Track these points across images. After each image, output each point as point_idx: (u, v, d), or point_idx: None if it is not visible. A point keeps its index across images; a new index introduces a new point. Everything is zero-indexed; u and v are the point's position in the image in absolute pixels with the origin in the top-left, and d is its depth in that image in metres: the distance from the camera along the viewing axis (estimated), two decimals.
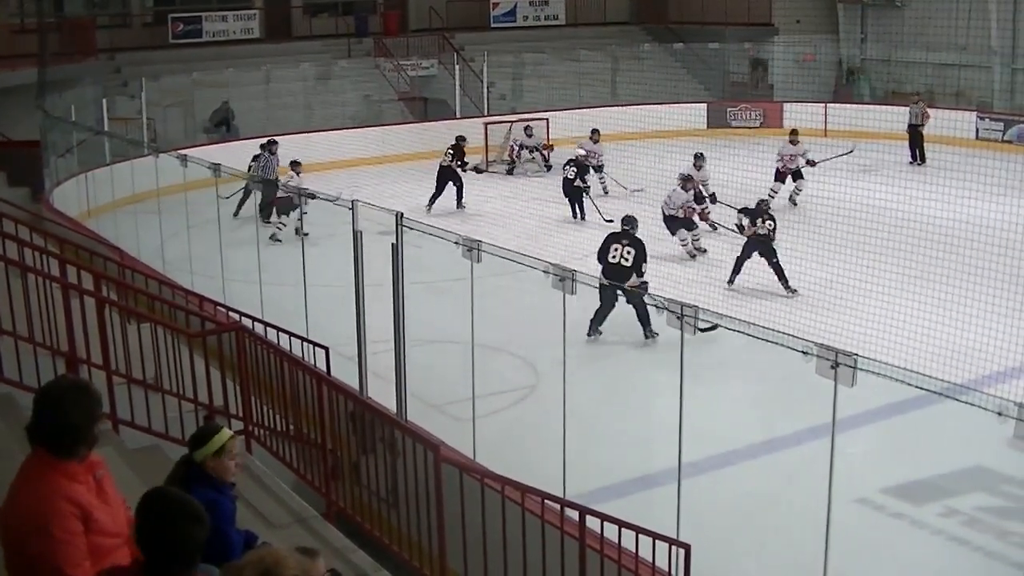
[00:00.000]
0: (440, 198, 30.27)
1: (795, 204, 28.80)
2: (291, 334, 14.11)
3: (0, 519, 5.70)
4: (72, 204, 27.31)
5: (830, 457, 9.13)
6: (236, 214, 26.94)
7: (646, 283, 18.49)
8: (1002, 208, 22.81)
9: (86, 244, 18.22)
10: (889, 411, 14.93)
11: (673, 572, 9.67)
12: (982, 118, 37.69)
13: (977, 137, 36.58)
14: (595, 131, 31.94)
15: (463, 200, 30.89)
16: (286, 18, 47.50)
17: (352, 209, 13.46)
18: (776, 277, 21.48)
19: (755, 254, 21.85)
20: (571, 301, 11.49)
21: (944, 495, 13.38)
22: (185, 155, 21.21)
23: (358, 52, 46.21)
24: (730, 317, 10.36)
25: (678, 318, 10.17)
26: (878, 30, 44.79)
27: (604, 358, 17.77)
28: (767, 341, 9.48)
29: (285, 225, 26.55)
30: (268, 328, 14.05)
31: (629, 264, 18.67)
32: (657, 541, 9.61)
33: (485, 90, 41.94)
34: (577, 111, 38.42)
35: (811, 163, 28.56)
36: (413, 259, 13.01)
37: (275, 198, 25.87)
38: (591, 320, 18.35)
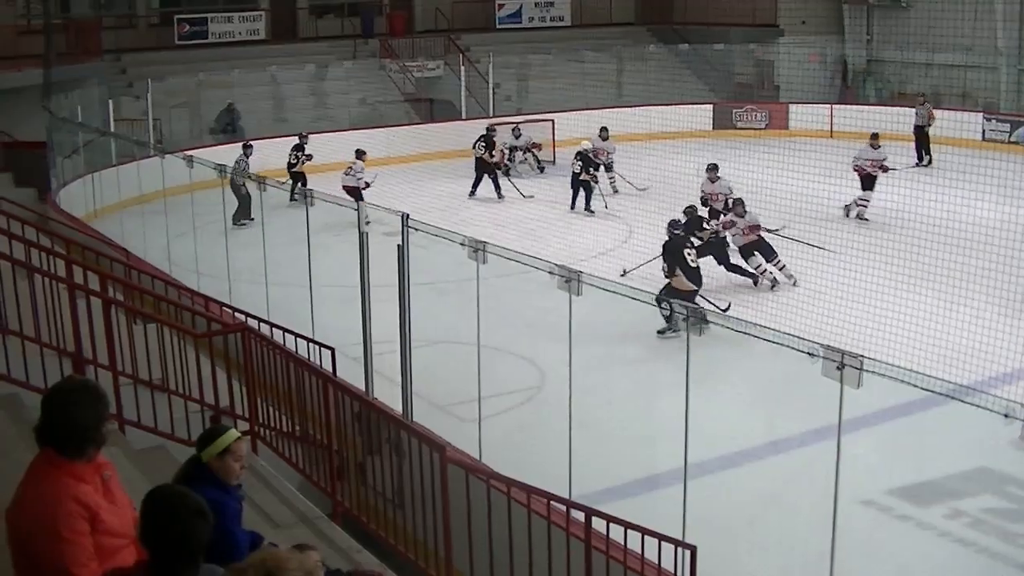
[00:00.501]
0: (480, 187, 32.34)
1: (859, 218, 27.76)
2: (297, 335, 14.11)
3: (7, 519, 5.72)
4: (78, 205, 27.36)
5: (836, 458, 9.13)
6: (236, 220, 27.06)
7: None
8: (1008, 209, 22.83)
9: (92, 245, 18.26)
10: (895, 412, 14.94)
11: (679, 573, 9.65)
12: (988, 119, 37.65)
13: (983, 138, 36.53)
14: (604, 129, 32.02)
15: (501, 189, 32.58)
16: (292, 19, 47.52)
17: (358, 210, 13.48)
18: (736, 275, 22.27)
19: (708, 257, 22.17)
20: (576, 302, 11.50)
21: (950, 497, 13.37)
22: (191, 156, 21.24)
23: (364, 53, 46.24)
24: (735, 318, 10.38)
25: (683, 319, 10.19)
26: (884, 31, 44.77)
27: (610, 359, 17.74)
28: (773, 342, 9.48)
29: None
30: (274, 329, 14.07)
31: (697, 263, 19.13)
32: (663, 542, 9.60)
33: (491, 91, 41.96)
34: (583, 112, 38.37)
35: (885, 169, 28.16)
36: (419, 260, 13.02)
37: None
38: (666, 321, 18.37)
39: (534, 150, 35.88)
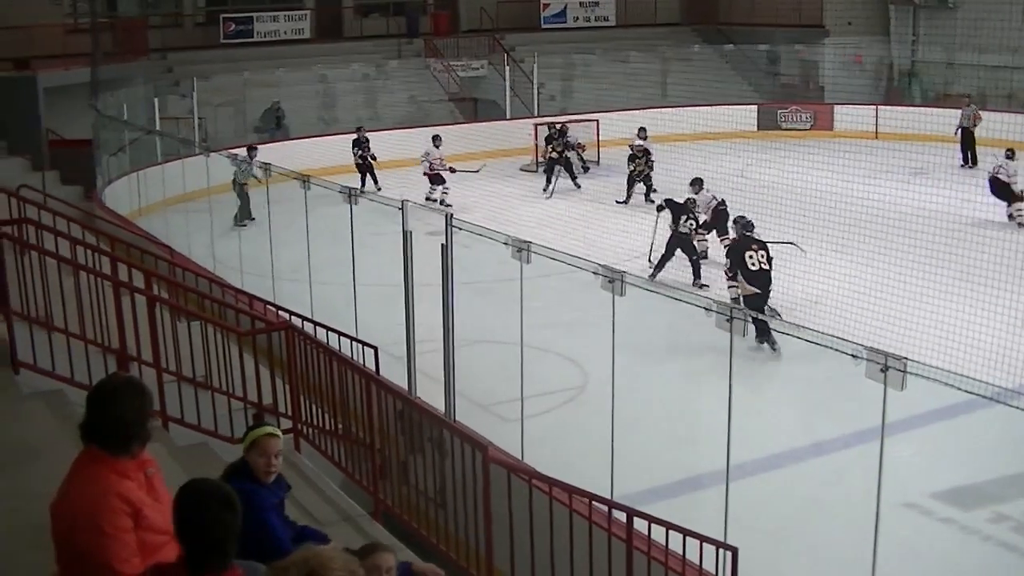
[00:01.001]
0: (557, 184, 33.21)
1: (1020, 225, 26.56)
2: (340, 333, 14.14)
3: (52, 514, 5.76)
4: (123, 202, 27.49)
5: (879, 461, 9.10)
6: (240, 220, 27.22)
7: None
8: None
9: (137, 242, 18.33)
10: (938, 415, 14.87)
11: (720, 575, 9.65)
12: None
13: None
14: (642, 129, 32.01)
15: (577, 179, 33.62)
16: (337, 19, 47.67)
17: (402, 209, 13.51)
18: (692, 272, 22.37)
19: (678, 251, 22.70)
20: (620, 302, 11.50)
21: (993, 501, 13.27)
22: (236, 154, 21.33)
23: (408, 53, 46.34)
24: (781, 320, 10.36)
25: (727, 320, 10.16)
26: (930, 32, 44.46)
27: (652, 359, 17.72)
28: (817, 344, 9.46)
29: (434, 197, 30.72)
30: (317, 327, 14.09)
31: (768, 267, 18.31)
32: (704, 544, 9.60)
33: (535, 91, 41.91)
34: (627, 112, 38.27)
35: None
36: (462, 259, 13.04)
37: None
38: (758, 335, 17.40)
39: (578, 150, 35.83)
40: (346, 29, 47.76)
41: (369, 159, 33.48)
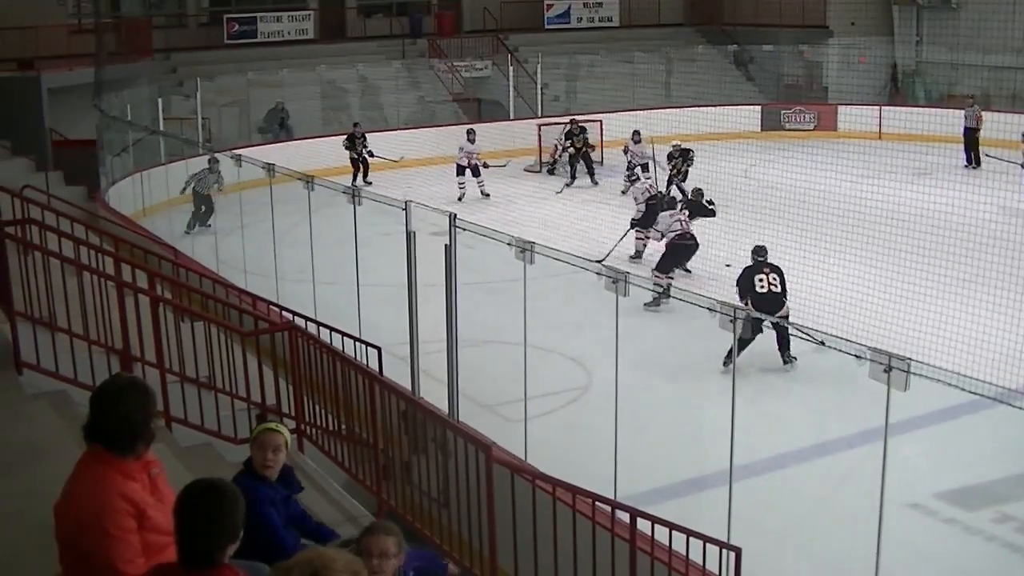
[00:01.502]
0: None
1: None
2: (344, 334, 14.14)
3: (56, 514, 5.77)
4: (127, 203, 27.51)
5: (882, 461, 9.10)
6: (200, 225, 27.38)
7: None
8: None
9: (141, 243, 18.35)
10: (942, 415, 14.87)
11: (723, 575, 9.66)
12: None
13: None
14: (636, 132, 32.07)
15: (595, 176, 34.48)
16: (340, 19, 47.71)
17: (406, 210, 13.51)
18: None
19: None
20: (623, 303, 11.49)
21: (998, 501, 13.27)
22: (239, 155, 21.34)
23: (412, 53, 46.35)
24: (784, 320, 10.35)
25: (731, 321, 10.17)
26: (933, 32, 44.43)
27: (656, 360, 17.72)
28: (821, 344, 9.46)
29: (464, 187, 31.88)
30: (321, 328, 14.09)
31: (779, 290, 17.97)
32: (708, 544, 9.60)
33: (539, 91, 41.93)
34: (631, 113, 38.27)
35: None
36: (466, 260, 13.04)
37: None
38: (730, 350, 16.99)
39: (587, 149, 35.85)
40: (350, 29, 47.79)
41: (365, 155, 33.88)
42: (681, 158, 30.45)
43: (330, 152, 33.84)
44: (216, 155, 27.30)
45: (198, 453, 10.73)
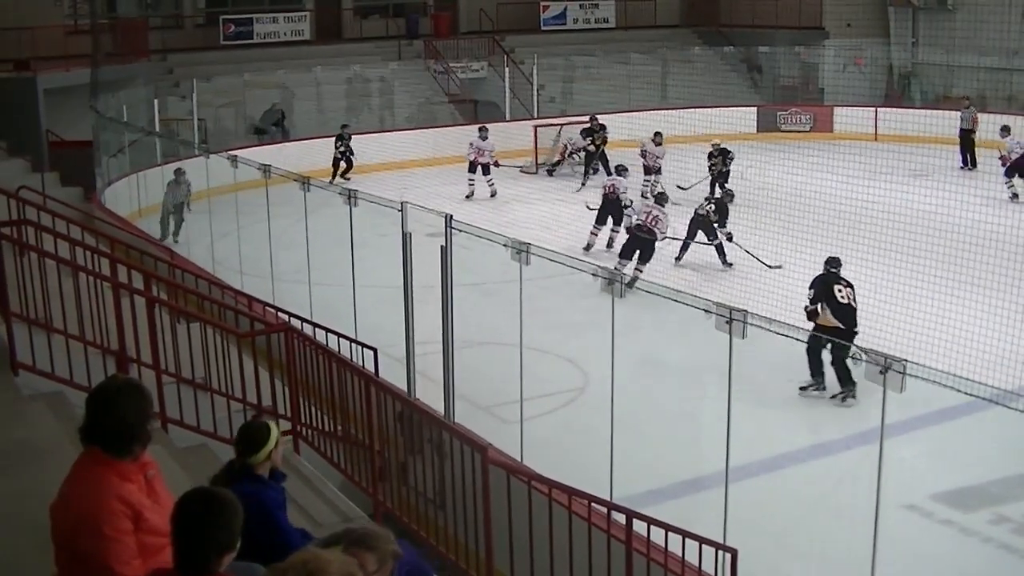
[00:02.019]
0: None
1: None
2: (340, 335, 14.15)
3: (52, 516, 5.76)
4: (123, 204, 27.50)
5: (878, 463, 9.09)
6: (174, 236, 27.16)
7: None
8: None
9: (137, 244, 18.33)
10: (938, 417, 14.87)
11: None
12: None
13: None
14: (657, 134, 32.03)
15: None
16: (336, 20, 47.67)
17: (402, 211, 13.51)
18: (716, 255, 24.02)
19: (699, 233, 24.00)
20: (620, 304, 11.50)
21: (994, 502, 13.28)
22: (235, 156, 21.33)
23: (408, 54, 46.37)
24: (779, 322, 10.34)
25: (727, 322, 10.16)
26: (929, 34, 44.46)
27: (652, 361, 17.71)
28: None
29: (473, 184, 32.10)
30: (317, 329, 14.10)
31: (856, 306, 17.21)
32: (704, 546, 9.60)
33: (535, 92, 41.89)
34: (627, 114, 38.25)
35: None
36: (463, 261, 13.04)
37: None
38: (813, 375, 16.81)
39: (578, 153, 35.88)
40: (346, 30, 47.76)
41: (348, 155, 34.46)
42: (720, 157, 30.68)
43: (326, 153, 33.89)
44: (181, 167, 27.30)
45: (194, 454, 10.72)
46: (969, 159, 34.81)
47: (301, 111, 40.68)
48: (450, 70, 44.47)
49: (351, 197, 16.14)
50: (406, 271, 13.49)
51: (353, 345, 13.99)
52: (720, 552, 9.63)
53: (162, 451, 9.29)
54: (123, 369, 11.28)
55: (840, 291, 17.01)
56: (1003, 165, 30.72)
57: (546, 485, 10.33)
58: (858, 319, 16.86)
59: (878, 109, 40.98)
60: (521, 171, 36.20)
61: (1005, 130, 31.85)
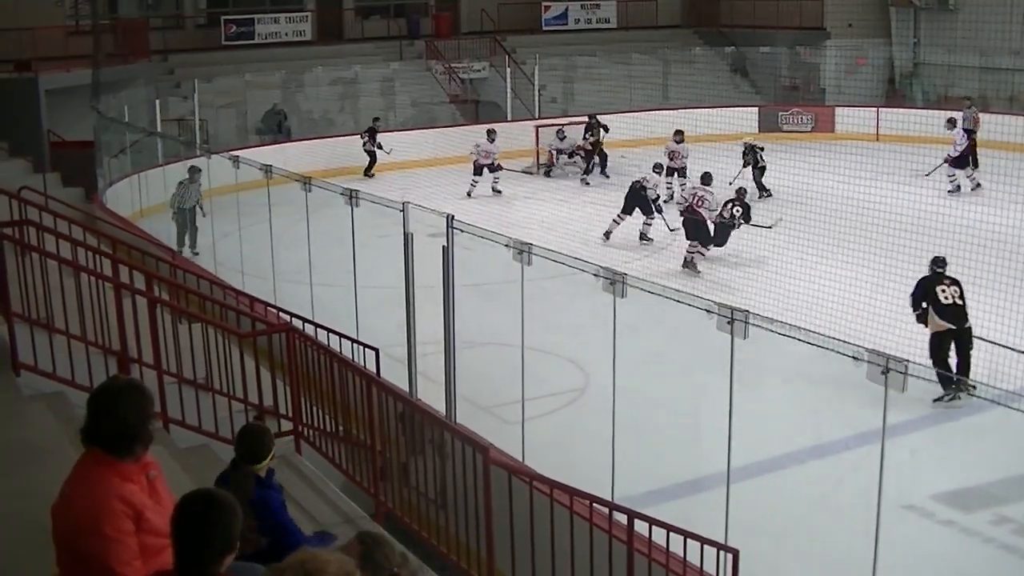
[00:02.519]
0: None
1: None
2: (341, 335, 14.15)
3: (53, 517, 5.76)
4: (125, 204, 27.49)
5: (879, 463, 9.09)
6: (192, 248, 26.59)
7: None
8: None
9: (138, 244, 18.33)
10: (940, 417, 14.86)
11: None
12: None
13: None
14: (678, 132, 31.99)
15: (607, 169, 35.11)
16: (338, 20, 47.66)
17: (403, 211, 13.50)
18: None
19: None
20: (621, 304, 11.49)
21: (995, 503, 13.26)
22: (237, 156, 21.32)
23: (410, 55, 46.37)
24: (780, 322, 10.34)
25: (728, 323, 10.15)
26: (931, 34, 44.45)
27: (653, 362, 17.70)
28: (819, 347, 9.45)
29: (476, 184, 32.33)
30: (318, 329, 14.10)
31: (963, 302, 16.97)
32: (705, 546, 9.59)
33: (536, 93, 41.87)
34: (628, 114, 38.26)
35: None
36: (464, 261, 13.03)
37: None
38: (943, 384, 15.96)
39: (580, 153, 35.88)
40: (347, 31, 47.76)
41: (375, 148, 34.92)
42: (751, 153, 30.84)
43: (328, 153, 33.88)
44: (195, 164, 26.72)
45: (196, 455, 10.73)
46: (970, 160, 34.77)
47: (301, 112, 40.65)
48: (451, 70, 44.45)
49: (352, 197, 16.13)
50: (408, 271, 13.49)
51: (354, 345, 13.99)
52: (721, 552, 9.63)
53: (163, 451, 9.30)
54: (124, 369, 11.28)
55: (943, 291, 16.80)
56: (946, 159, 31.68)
57: (547, 485, 10.32)
58: (968, 314, 16.75)
59: (879, 109, 40.95)
60: (523, 171, 36.19)
61: (951, 123, 32.56)
